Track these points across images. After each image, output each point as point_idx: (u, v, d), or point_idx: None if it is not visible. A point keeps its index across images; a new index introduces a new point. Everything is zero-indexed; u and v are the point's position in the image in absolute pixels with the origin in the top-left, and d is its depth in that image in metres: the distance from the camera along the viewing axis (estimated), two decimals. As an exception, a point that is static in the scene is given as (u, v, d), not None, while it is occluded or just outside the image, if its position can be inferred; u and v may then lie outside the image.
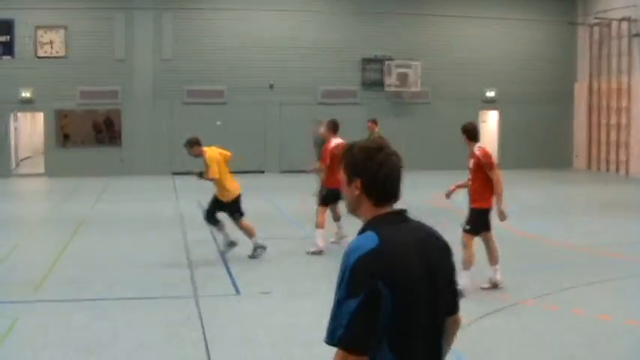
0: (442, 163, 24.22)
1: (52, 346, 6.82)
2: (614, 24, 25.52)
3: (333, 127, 11.56)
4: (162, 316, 7.85)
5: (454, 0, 26.93)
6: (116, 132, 25.15)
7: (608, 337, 7.11)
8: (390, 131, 20.94)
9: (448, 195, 9.19)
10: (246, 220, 10.84)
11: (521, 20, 27.31)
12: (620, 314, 7.79)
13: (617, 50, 25.49)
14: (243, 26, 25.48)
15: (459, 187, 9.12)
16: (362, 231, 2.57)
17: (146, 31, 24.89)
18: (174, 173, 23.62)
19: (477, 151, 8.63)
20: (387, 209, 2.62)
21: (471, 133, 8.75)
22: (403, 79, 26.12)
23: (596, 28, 26.70)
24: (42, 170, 25.07)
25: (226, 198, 10.64)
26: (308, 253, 11.04)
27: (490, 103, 27.72)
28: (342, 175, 2.67)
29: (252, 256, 10.74)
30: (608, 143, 26.18)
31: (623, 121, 25.25)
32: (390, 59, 26.20)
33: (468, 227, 8.59)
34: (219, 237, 10.88)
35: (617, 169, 25.63)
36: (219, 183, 10.59)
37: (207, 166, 10.50)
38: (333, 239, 11.67)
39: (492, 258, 8.78)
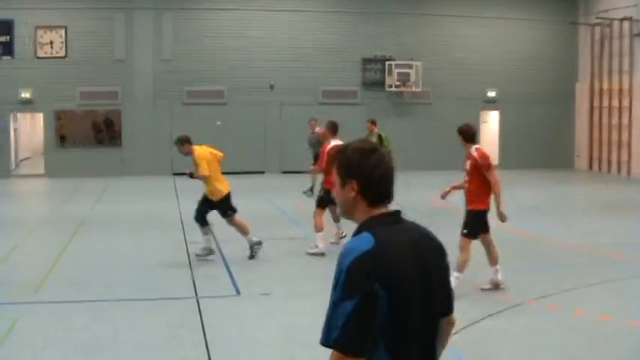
0: (443, 163, 24.21)
1: (51, 347, 6.82)
2: (616, 24, 25.52)
3: (333, 129, 11.54)
4: (162, 317, 7.86)
5: (455, 0, 26.94)
6: (116, 132, 25.16)
7: (609, 338, 7.11)
8: (390, 131, 20.99)
9: (443, 196, 9.16)
10: (239, 218, 10.83)
11: (522, 20, 27.32)
12: (621, 315, 7.79)
13: (618, 50, 25.49)
14: (244, 26, 25.49)
15: (454, 188, 9.08)
16: (357, 232, 2.58)
17: (146, 32, 24.90)
18: (175, 174, 23.63)
19: (474, 153, 8.58)
20: (382, 210, 2.62)
21: (468, 135, 8.70)
22: (404, 79, 26.13)
23: (597, 28, 26.70)
24: (42, 171, 25.08)
25: (215, 197, 10.64)
26: (308, 253, 11.05)
27: (491, 103, 27.73)
28: (334, 178, 2.67)
29: (252, 256, 10.76)
30: (609, 143, 26.18)
31: (625, 121, 25.25)
32: (391, 59, 26.21)
33: (465, 231, 8.54)
34: (206, 238, 10.76)
35: (619, 170, 25.63)
36: (208, 181, 10.57)
37: (196, 164, 10.50)
38: (332, 240, 11.68)
39: (492, 259, 8.78)
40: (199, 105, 25.29)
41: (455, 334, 6.98)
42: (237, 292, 8.89)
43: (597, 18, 26.30)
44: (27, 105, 24.61)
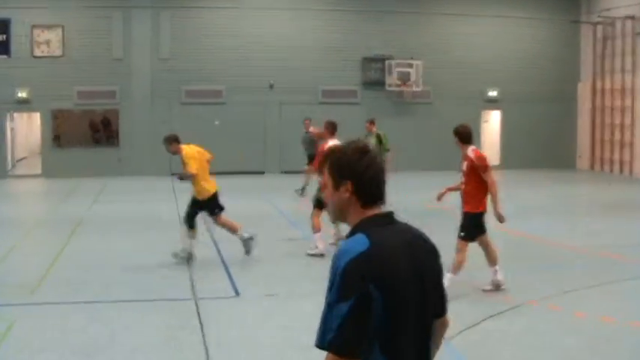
0: (443, 163, 24.21)
1: (48, 349, 6.84)
2: (618, 22, 25.54)
3: (332, 128, 11.55)
4: (160, 318, 7.88)
5: (456, -2, 26.99)
6: (114, 132, 25.18)
7: (610, 339, 7.13)
8: (390, 131, 21.00)
9: (439, 198, 9.13)
10: (225, 216, 10.84)
11: (523, 19, 27.34)
12: (622, 316, 7.81)
13: (621, 49, 25.50)
14: (243, 25, 25.51)
15: (450, 190, 9.04)
16: (351, 233, 2.60)
17: (144, 30, 24.92)
18: (173, 174, 23.63)
19: (470, 154, 8.55)
20: (375, 211, 2.64)
21: (463, 136, 8.67)
22: (404, 78, 26.15)
23: (599, 27, 26.72)
24: (39, 171, 25.10)
25: (202, 196, 10.65)
26: (308, 254, 11.07)
27: (492, 103, 27.75)
28: (326, 179, 2.68)
29: (247, 252, 10.77)
30: (611, 143, 26.20)
31: (627, 121, 25.27)
32: (391, 58, 26.23)
33: (462, 234, 8.52)
34: (189, 241, 10.76)
35: (621, 170, 25.65)
36: (196, 181, 10.58)
37: (184, 163, 10.52)
38: (331, 241, 11.69)
39: (491, 259, 8.79)
40: (198, 104, 25.31)
41: (455, 335, 7.04)
42: (237, 293, 8.91)
43: (599, 16, 26.32)
44: (23, 104, 24.63)
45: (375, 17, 26.23)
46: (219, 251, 11.38)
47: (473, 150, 8.59)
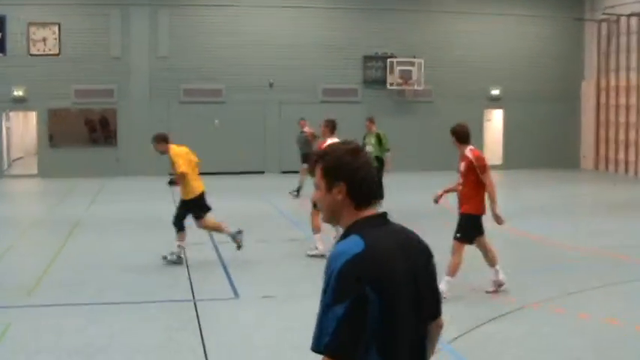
0: (444, 163, 24.21)
1: (45, 352, 6.85)
2: (623, 19, 25.54)
3: (331, 127, 11.55)
4: (159, 320, 7.88)
5: (458, -4, 27.00)
6: (111, 131, 25.20)
7: (615, 342, 7.13)
8: (391, 131, 21.00)
9: (437, 200, 9.08)
10: (209, 218, 10.79)
11: (526, 16, 27.34)
12: (628, 318, 7.81)
13: (625, 46, 25.50)
14: (242, 23, 25.52)
15: (448, 191, 8.99)
16: (345, 235, 2.60)
17: (142, 28, 24.93)
18: (170, 174, 23.62)
19: (468, 154, 8.52)
20: (369, 212, 2.65)
21: (461, 135, 8.64)
22: (406, 77, 26.15)
23: (604, 24, 26.73)
24: (35, 171, 25.11)
25: (188, 196, 10.63)
26: (308, 255, 11.08)
27: (495, 102, 27.76)
28: (318, 181, 2.68)
29: (239, 246, 10.76)
30: (616, 142, 26.20)
31: (632, 119, 25.26)
32: (392, 57, 26.25)
33: (459, 235, 8.46)
34: (179, 244, 10.74)
35: (626, 170, 25.64)
36: (186, 180, 10.56)
37: (173, 162, 10.51)
38: (333, 241, 11.70)
39: (490, 260, 8.76)
40: (197, 104, 25.33)
41: (456, 338, 7.04)
42: (236, 294, 8.91)
43: (604, 14, 26.32)
44: (20, 103, 24.65)
45: (376, 15, 26.23)
46: (218, 252, 11.39)
47: (471, 150, 8.56)
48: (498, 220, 8.60)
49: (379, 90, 26.38)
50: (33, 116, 25.90)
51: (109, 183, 22.40)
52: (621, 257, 11.13)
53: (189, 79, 25.21)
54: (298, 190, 18.15)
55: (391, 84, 26.23)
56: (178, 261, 10.53)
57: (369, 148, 15.55)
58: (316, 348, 2.43)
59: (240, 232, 10.87)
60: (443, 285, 8.19)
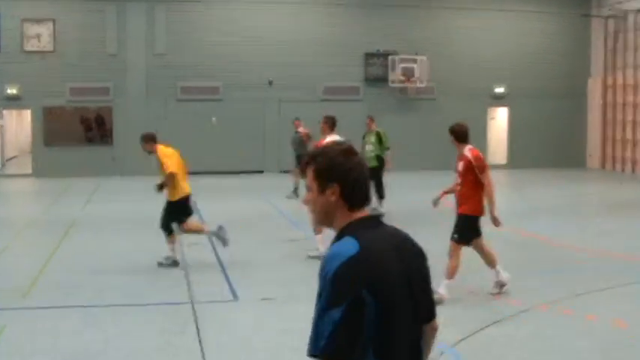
0: (448, 162, 24.20)
1: (40, 354, 6.85)
2: (630, 16, 25.54)
3: (331, 123, 11.54)
4: (156, 323, 7.88)
5: (461, -9, 27.00)
6: (107, 130, 25.21)
7: (623, 344, 7.13)
8: (394, 129, 21.02)
9: (436, 203, 9.00)
10: (192, 222, 10.73)
11: (532, 12, 27.34)
12: (636, 320, 7.81)
13: (633, 43, 25.51)
14: (241, 19, 25.52)
15: (446, 193, 8.92)
16: (338, 237, 2.60)
17: (138, 25, 24.94)
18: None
19: (467, 153, 8.49)
20: (362, 214, 2.65)
21: (460, 134, 8.63)
22: (408, 74, 26.15)
23: (611, 21, 26.72)
24: (29, 170, 25.12)
25: (175, 197, 10.60)
26: (309, 257, 11.07)
27: (499, 99, 27.75)
28: (310, 183, 2.67)
29: (225, 243, 10.71)
30: (623, 141, 26.20)
31: (639, 117, 25.28)
32: (395, 54, 26.24)
33: (456, 236, 8.42)
34: (170, 247, 10.71)
35: (633, 169, 25.65)
36: (175, 180, 10.53)
37: (161, 162, 10.48)
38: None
39: (489, 262, 8.74)
40: (194, 101, 25.33)
41: (461, 340, 7.04)
42: (235, 296, 8.91)
43: (611, 10, 26.33)
44: (13, 101, 24.65)
45: (378, 11, 26.22)
46: (216, 253, 11.38)
47: (470, 149, 8.55)
48: (496, 222, 8.53)
49: (381, 88, 26.38)
50: (27, 114, 25.91)
51: (105, 182, 22.41)
52: (629, 258, 11.13)
53: (186, 77, 25.22)
54: (295, 191, 18.11)
55: (393, 81, 26.23)
56: (175, 264, 10.53)
57: (369, 147, 15.52)
58: (313, 352, 2.43)
59: (221, 227, 10.84)
60: (442, 288, 8.19)
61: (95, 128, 25.20)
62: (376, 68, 26.49)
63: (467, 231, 8.46)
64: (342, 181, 2.61)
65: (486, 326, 7.58)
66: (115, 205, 17.92)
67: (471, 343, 7.04)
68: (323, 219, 2.70)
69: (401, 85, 26.33)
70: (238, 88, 25.47)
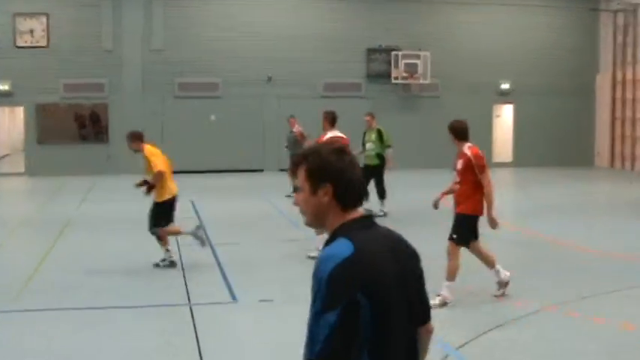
0: (452, 161, 24.25)
1: (32, 356, 6.86)
2: (640, 10, 25.56)
3: (331, 119, 11.52)
4: (153, 325, 7.89)
5: (466, -15, 27.01)
6: (102, 127, 25.23)
7: (633, 347, 7.14)
8: (396, 127, 21.04)
9: (436, 205, 8.94)
10: (171, 227, 10.73)
11: (538, 6, 27.35)
12: (645, 323, 7.82)
13: (642, 39, 25.52)
14: (239, 14, 25.54)
15: (446, 194, 8.89)
16: (332, 238, 2.60)
17: (135, 20, 24.95)
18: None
19: (467, 151, 8.46)
20: (355, 214, 2.66)
21: (459, 132, 8.60)
22: (411, 70, 26.16)
23: (620, 14, 26.72)
24: (22, 169, 25.13)
25: (162, 197, 10.58)
26: (309, 257, 11.08)
27: (505, 96, 27.77)
28: (302, 183, 2.68)
29: (202, 243, 10.68)
30: (633, 139, 26.20)
31: (649, 115, 25.30)
32: (397, 49, 26.26)
33: (455, 236, 8.39)
34: (165, 249, 10.70)
35: (643, 167, 25.67)
36: (163, 180, 10.53)
37: (148, 162, 10.47)
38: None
39: (488, 263, 8.72)
40: (192, 98, 25.36)
41: (465, 343, 7.06)
42: (234, 298, 8.93)
43: (620, 3, 26.32)
44: (5, 98, 24.66)
45: (380, 6, 26.24)
46: (215, 254, 11.40)
47: (469, 147, 8.53)
48: (493, 223, 8.46)
49: (383, 84, 26.40)
50: (20, 111, 25.90)
51: (100, 181, 22.42)
52: (638, 259, 11.13)
53: (184, 73, 25.24)
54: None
55: (396, 78, 26.25)
56: (172, 265, 10.54)
57: (369, 145, 15.50)
58: (309, 357, 2.45)
59: (198, 227, 10.83)
60: (444, 291, 8.21)
61: (90, 125, 25.22)
62: (378, 64, 26.51)
63: (466, 231, 8.43)
64: (335, 181, 2.61)
65: (490, 329, 7.58)
66: (111, 204, 17.94)
67: (475, 346, 7.06)
68: (315, 220, 2.70)
69: (404, 81, 26.36)
70: (237, 84, 25.50)
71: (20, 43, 24.32)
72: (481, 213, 8.51)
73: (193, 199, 17.42)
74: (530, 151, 27.36)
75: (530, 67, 27.40)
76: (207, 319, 8.04)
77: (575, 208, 17.26)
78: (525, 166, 26.62)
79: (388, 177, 15.57)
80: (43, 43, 24.46)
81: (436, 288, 8.28)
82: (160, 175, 10.36)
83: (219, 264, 10.78)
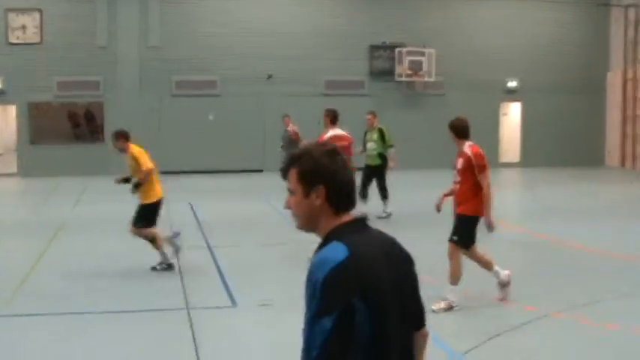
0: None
1: (28, 364, 6.87)
2: (651, 5, 25.53)
3: (332, 117, 11.51)
4: (149, 330, 7.89)
5: (472, -21, 26.99)
6: (97, 127, 25.22)
7: (644, 353, 7.13)
8: (400, 125, 21.03)
9: (439, 207, 8.90)
10: (149, 230, 10.70)
11: (546, 1, 27.32)
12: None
13: (654, 34, 25.50)
14: (238, 10, 25.53)
15: (447, 195, 8.85)
16: (325, 242, 2.61)
17: (131, 15, 24.94)
18: (163, 172, 23.64)
19: (467, 150, 8.46)
20: (348, 217, 2.66)
21: (459, 130, 8.60)
22: (415, 68, 26.15)
23: (631, 10, 26.69)
24: (14, 169, 25.12)
25: (150, 199, 10.57)
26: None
27: (512, 94, 27.75)
28: (293, 186, 2.67)
29: (177, 250, 10.63)
30: (644, 138, 26.19)
31: (661, 113, 25.27)
32: (401, 46, 26.24)
33: (455, 238, 8.37)
34: (160, 251, 10.67)
35: (655, 167, 25.64)
36: (150, 180, 10.52)
37: (136, 160, 10.46)
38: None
39: (486, 265, 8.70)
40: (190, 97, 25.35)
41: (472, 349, 7.04)
42: (233, 302, 8.92)
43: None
44: (-2, 96, 24.67)
45: (383, 2, 26.22)
46: (213, 256, 11.40)
47: (470, 146, 8.52)
48: (490, 226, 8.39)
49: (387, 82, 26.39)
50: (12, 110, 25.89)
51: (95, 182, 22.40)
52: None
53: (181, 70, 25.23)
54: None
55: (400, 75, 26.24)
56: (170, 268, 10.53)
57: (371, 145, 15.46)
58: None
59: (176, 233, 10.74)
60: (449, 294, 8.19)
61: (84, 125, 25.23)
62: (382, 61, 26.49)
63: (467, 232, 8.41)
64: (328, 183, 2.62)
65: (497, 335, 7.55)
66: (106, 205, 17.90)
67: (482, 352, 7.04)
68: (307, 224, 2.70)
69: (408, 79, 26.34)
70: (236, 82, 25.49)
71: (12, 39, 24.33)
72: (482, 214, 8.50)
73: (191, 201, 17.42)
74: (538, 151, 27.33)
75: (538, 64, 27.38)
76: (206, 324, 8.04)
77: (586, 210, 17.23)
78: (533, 166, 26.60)
79: (390, 177, 15.54)
80: (36, 39, 24.46)
81: (441, 292, 8.27)
82: (150, 172, 10.38)
83: (217, 267, 10.77)
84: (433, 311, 7.98)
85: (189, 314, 8.36)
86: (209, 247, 12.00)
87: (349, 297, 2.43)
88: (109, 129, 24.98)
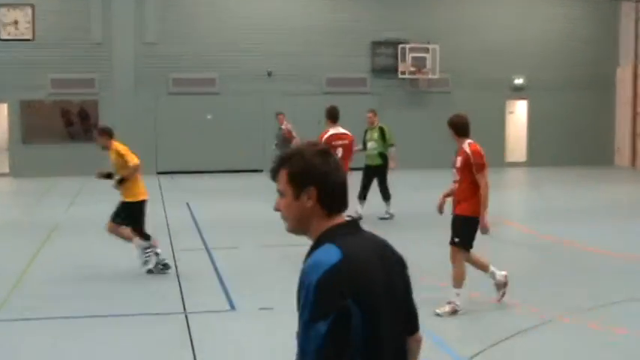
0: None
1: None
2: (662, 0, 25.52)
3: (332, 115, 11.52)
4: (146, 335, 7.90)
5: (477, -27, 26.99)
6: (92, 125, 25.19)
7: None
8: (403, 124, 21.03)
9: (441, 208, 8.87)
10: (123, 229, 10.68)
11: (554, -4, 27.34)
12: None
13: (665, 30, 25.49)
14: (238, 5, 25.55)
15: (447, 196, 8.82)
16: (317, 244, 2.61)
17: (126, 11, 24.94)
18: (160, 173, 23.69)
19: (466, 148, 8.46)
20: (340, 219, 2.67)
21: (459, 127, 8.60)
22: (419, 64, 26.15)
23: (641, 5, 26.69)
24: (6, 169, 25.14)
25: (136, 197, 10.57)
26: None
27: (518, 92, 27.74)
28: (284, 187, 2.67)
29: (144, 264, 10.58)
30: (654, 137, 26.18)
31: (672, 111, 25.26)
32: (405, 42, 26.24)
33: (457, 240, 8.36)
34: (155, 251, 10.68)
35: (665, 167, 25.63)
36: (135, 178, 10.53)
37: (121, 158, 10.46)
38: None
39: (482, 267, 8.70)
40: (187, 95, 25.36)
41: (478, 354, 7.05)
42: (232, 305, 8.93)
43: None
44: (-11, 94, 24.68)
45: (386, -5, 26.24)
46: (212, 259, 11.41)
47: (469, 144, 8.51)
48: (484, 227, 8.34)
49: (390, 79, 26.38)
50: (3, 108, 25.91)
51: (90, 182, 22.38)
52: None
53: (179, 68, 25.24)
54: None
55: (403, 73, 26.24)
56: (165, 268, 10.54)
57: (371, 144, 15.46)
58: None
59: (152, 246, 10.54)
60: (454, 298, 8.20)
61: (78, 123, 25.24)
62: (384, 58, 26.49)
63: (468, 233, 8.39)
64: (320, 184, 2.62)
65: (503, 339, 7.56)
66: (101, 206, 17.84)
67: (488, 357, 7.05)
68: (297, 226, 2.70)
69: (411, 76, 26.34)
70: (235, 80, 25.50)
71: (4, 35, 24.27)
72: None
73: (189, 201, 17.44)
74: (545, 150, 27.33)
75: (545, 61, 27.37)
76: (204, 329, 8.05)
77: (595, 211, 17.22)
78: (540, 165, 26.59)
79: (392, 177, 15.53)
80: (28, 35, 24.42)
81: (446, 295, 8.28)
82: (137, 168, 10.39)
83: (216, 269, 10.78)
84: (438, 315, 8.01)
85: (186, 318, 8.37)
86: (207, 249, 12.02)
87: (344, 300, 2.44)
88: (104, 128, 25.06)
